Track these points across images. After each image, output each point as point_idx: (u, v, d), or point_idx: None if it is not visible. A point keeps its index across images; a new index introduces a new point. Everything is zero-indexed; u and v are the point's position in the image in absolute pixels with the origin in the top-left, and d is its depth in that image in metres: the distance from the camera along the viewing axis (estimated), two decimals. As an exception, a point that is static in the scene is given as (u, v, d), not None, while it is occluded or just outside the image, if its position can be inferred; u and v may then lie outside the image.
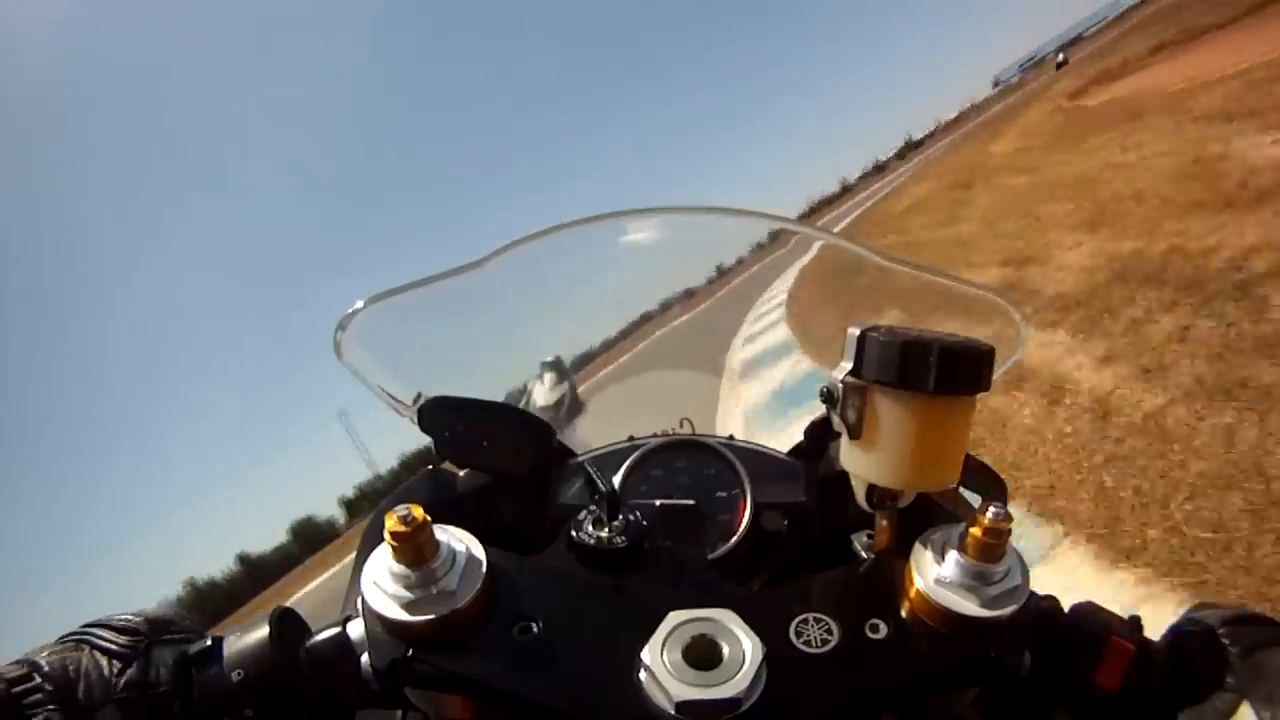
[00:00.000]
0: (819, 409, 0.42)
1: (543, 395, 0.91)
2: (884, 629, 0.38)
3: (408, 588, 0.36)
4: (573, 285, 0.90)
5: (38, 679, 0.35)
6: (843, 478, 0.44)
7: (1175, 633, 0.41)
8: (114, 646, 0.38)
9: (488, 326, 0.88)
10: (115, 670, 0.37)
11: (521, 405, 0.96)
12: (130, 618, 0.40)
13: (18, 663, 0.36)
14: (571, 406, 0.95)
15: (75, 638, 0.38)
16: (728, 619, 0.36)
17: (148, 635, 0.39)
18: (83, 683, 0.36)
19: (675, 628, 0.36)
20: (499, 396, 0.71)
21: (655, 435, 0.76)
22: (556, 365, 0.90)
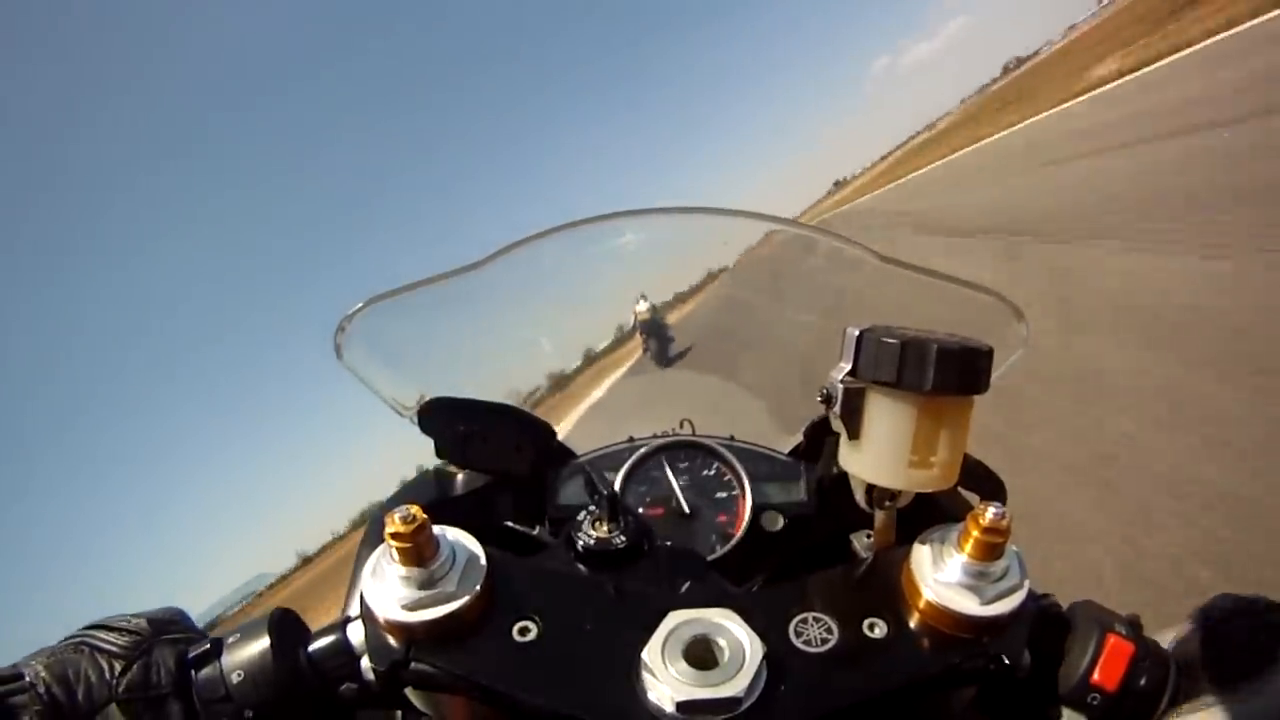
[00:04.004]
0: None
1: (645, 308, 1.21)
2: (883, 628, 0.38)
3: (407, 589, 0.36)
4: (572, 286, 0.90)
5: (28, 679, 0.35)
6: (842, 478, 0.44)
7: (1182, 635, 0.41)
8: (114, 648, 0.38)
9: (488, 328, 0.88)
10: (116, 671, 0.37)
11: (631, 323, 1.26)
12: (131, 619, 0.40)
13: (12, 666, 0.36)
14: (662, 323, 1.26)
15: (75, 640, 0.38)
16: (727, 619, 0.36)
17: (148, 636, 0.39)
18: (81, 685, 0.36)
19: (675, 628, 0.36)
20: (499, 397, 0.72)
21: (655, 435, 0.76)
22: (647, 298, 1.22)
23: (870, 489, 0.43)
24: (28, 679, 0.35)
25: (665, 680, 0.33)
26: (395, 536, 0.36)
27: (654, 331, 1.27)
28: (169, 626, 0.41)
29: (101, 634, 0.39)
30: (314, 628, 0.42)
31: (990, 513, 0.37)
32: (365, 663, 0.39)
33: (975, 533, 0.37)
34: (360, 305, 0.63)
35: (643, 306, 1.21)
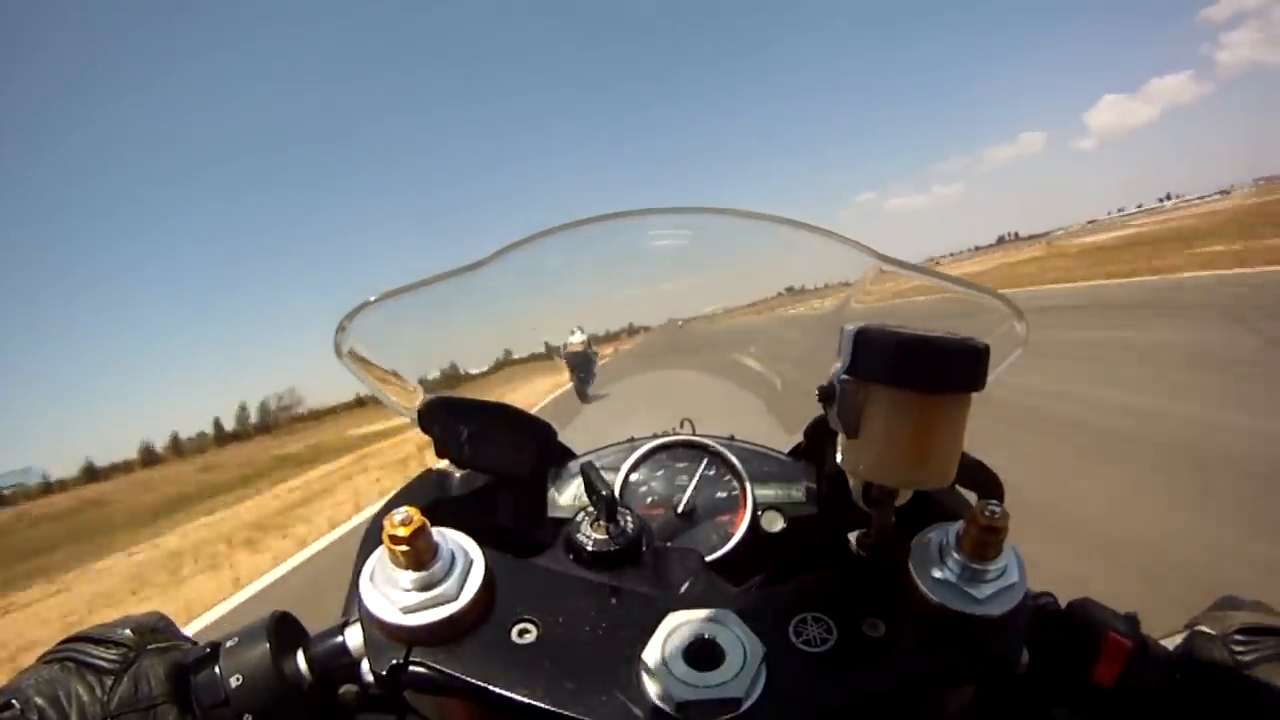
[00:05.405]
0: None
1: (578, 340, 1.19)
2: (882, 627, 0.38)
3: (406, 591, 0.36)
4: (575, 287, 0.90)
5: (18, 706, 0.34)
6: (842, 477, 0.44)
7: (1187, 636, 0.41)
8: (102, 662, 0.37)
9: (489, 327, 0.88)
10: (106, 687, 0.36)
11: (561, 352, 1.24)
12: (115, 630, 0.39)
13: (1, 692, 0.35)
14: (592, 358, 1.24)
15: (60, 656, 0.37)
16: (727, 619, 0.36)
17: (135, 647, 0.38)
18: (74, 706, 0.35)
19: (675, 628, 0.36)
20: (499, 397, 0.72)
21: (655, 435, 0.76)
22: (583, 330, 1.19)
23: (868, 487, 0.43)
24: (17, 706, 0.34)
25: (665, 681, 0.33)
26: (394, 539, 0.36)
27: (580, 366, 1.27)
28: (155, 635, 0.40)
29: (86, 648, 0.38)
30: (312, 631, 0.42)
31: (988, 511, 0.37)
32: (365, 665, 0.39)
33: (973, 531, 0.37)
34: (360, 305, 0.63)
35: (576, 338, 1.20)
